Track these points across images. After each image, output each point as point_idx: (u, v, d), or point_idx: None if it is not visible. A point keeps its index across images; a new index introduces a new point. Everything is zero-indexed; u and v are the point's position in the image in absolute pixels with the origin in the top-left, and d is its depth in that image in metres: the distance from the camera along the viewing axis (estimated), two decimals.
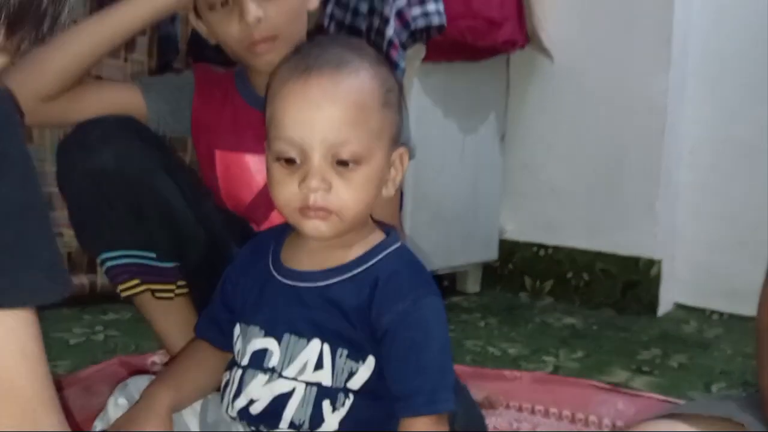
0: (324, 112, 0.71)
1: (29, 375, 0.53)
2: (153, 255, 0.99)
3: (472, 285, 2.10)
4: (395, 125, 0.76)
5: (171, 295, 1.00)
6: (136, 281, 1.00)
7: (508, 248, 2.10)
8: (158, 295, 1.01)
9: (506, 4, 1.85)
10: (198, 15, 1.01)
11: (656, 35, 1.86)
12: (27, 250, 0.55)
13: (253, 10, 0.93)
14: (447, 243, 1.94)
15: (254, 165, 1.01)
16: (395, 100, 0.76)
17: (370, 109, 0.73)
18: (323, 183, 0.71)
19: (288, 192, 0.72)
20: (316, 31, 1.05)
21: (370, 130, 0.72)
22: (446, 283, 2.05)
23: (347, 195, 0.72)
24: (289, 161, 0.72)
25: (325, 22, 1.60)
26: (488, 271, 2.12)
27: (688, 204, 1.95)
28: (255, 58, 0.96)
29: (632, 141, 1.92)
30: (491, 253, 2.09)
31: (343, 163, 0.71)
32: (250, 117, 0.97)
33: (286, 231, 0.80)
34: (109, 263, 0.99)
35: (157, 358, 1.30)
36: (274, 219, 0.97)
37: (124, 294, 1.02)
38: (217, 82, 1.07)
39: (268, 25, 0.95)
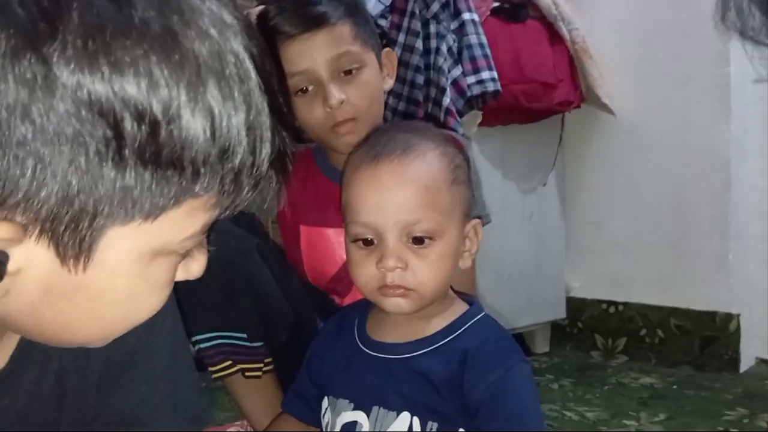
0: (395, 195, 0.75)
1: None
2: (244, 336, 1.01)
3: (541, 345, 2.06)
4: (466, 200, 0.79)
5: (259, 373, 1.02)
6: (228, 363, 1.01)
7: (576, 306, 2.07)
8: (248, 374, 1.02)
9: (559, 67, 1.89)
10: None
11: (714, 87, 1.86)
12: (179, 406, 0.62)
13: (336, 94, 0.98)
14: (513, 303, 1.93)
15: (336, 238, 1.04)
16: (464, 176, 0.79)
17: (439, 188, 0.76)
18: (399, 262, 0.74)
19: (367, 272, 0.76)
20: None
21: (441, 208, 0.76)
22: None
23: (423, 272, 0.75)
24: (367, 242, 0.76)
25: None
26: (557, 330, 2.08)
27: (760, 255, 1.89)
28: (337, 139, 1.01)
29: (697, 194, 1.89)
30: (559, 312, 2.06)
31: (417, 241, 0.75)
32: (331, 192, 0.99)
33: (369, 305, 0.82)
34: (202, 345, 1.01)
35: (234, 429, 1.31)
36: (357, 292, 1.00)
37: (216, 376, 1.03)
38: (297, 159, 1.10)
39: (350, 108, 0.99)
